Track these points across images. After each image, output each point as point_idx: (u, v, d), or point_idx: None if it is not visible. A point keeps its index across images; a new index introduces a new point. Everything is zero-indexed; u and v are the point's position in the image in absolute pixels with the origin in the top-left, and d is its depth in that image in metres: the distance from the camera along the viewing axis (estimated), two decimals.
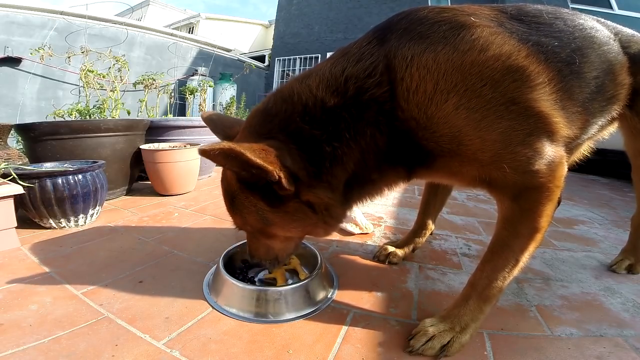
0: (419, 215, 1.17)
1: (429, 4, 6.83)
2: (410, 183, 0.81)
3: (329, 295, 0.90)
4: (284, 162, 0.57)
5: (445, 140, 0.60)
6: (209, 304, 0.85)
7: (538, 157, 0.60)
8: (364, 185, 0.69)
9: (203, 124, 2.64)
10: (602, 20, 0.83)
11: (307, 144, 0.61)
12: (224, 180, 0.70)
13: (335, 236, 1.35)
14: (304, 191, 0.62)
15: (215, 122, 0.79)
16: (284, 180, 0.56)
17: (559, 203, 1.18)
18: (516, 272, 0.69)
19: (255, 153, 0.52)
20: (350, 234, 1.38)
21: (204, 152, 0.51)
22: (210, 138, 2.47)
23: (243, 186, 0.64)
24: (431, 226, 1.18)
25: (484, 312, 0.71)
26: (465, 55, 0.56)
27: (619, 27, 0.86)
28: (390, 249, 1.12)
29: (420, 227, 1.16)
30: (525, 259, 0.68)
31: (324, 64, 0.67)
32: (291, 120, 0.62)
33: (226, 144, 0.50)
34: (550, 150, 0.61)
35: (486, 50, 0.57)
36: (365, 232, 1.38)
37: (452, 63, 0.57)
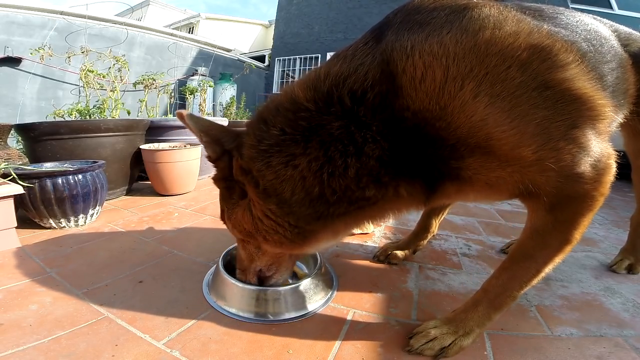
0: (422, 217, 1.12)
1: None
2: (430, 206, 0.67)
3: (328, 295, 0.90)
4: (220, 136, 0.61)
5: (465, 132, 0.49)
6: (209, 304, 0.85)
7: (584, 155, 0.50)
8: (357, 202, 0.57)
9: None
10: (599, 18, 0.82)
11: (263, 126, 0.57)
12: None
13: None
14: (236, 169, 0.60)
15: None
16: (207, 148, 0.62)
17: None
18: (535, 282, 0.63)
19: (191, 120, 0.61)
20: (351, 233, 1.38)
21: (178, 114, 0.60)
22: None
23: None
24: (434, 229, 1.12)
25: (492, 320, 0.69)
26: (477, 36, 0.48)
27: (616, 25, 0.84)
28: (391, 250, 1.12)
29: (422, 229, 1.12)
30: (547, 269, 0.62)
31: (317, 67, 0.62)
32: (262, 115, 0.60)
33: (182, 112, 0.61)
34: (597, 146, 0.51)
35: (501, 28, 0.48)
36: (365, 232, 1.39)
37: (463, 46, 0.48)
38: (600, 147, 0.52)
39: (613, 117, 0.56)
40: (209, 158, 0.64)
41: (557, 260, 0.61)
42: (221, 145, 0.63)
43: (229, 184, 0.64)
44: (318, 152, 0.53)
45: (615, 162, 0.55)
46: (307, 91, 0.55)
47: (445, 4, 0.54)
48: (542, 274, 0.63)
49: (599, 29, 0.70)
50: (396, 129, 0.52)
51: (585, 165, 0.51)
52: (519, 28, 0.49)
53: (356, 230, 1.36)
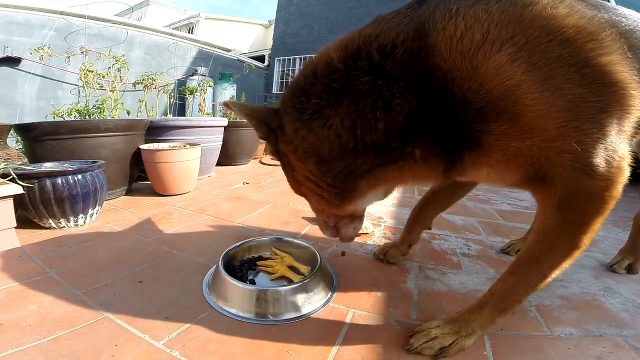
0: (413, 210, 1.08)
1: None
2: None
3: (328, 295, 0.90)
4: (265, 117, 0.66)
5: (496, 94, 0.49)
6: (209, 304, 0.85)
7: (602, 145, 0.49)
8: (381, 156, 0.57)
9: (202, 124, 2.64)
10: None
11: (301, 98, 0.60)
12: None
13: None
14: (280, 143, 0.65)
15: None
16: (256, 130, 0.68)
17: None
18: (542, 286, 0.62)
19: (237, 107, 0.68)
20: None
21: (224, 104, 0.68)
22: (208, 137, 2.47)
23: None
24: (427, 222, 1.08)
25: (495, 323, 0.69)
26: (526, 9, 0.49)
27: None
28: (388, 248, 1.12)
29: (414, 220, 1.07)
30: (555, 274, 0.61)
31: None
32: (299, 85, 0.62)
33: (227, 102, 0.67)
34: (616, 141, 0.50)
35: (556, 7, 0.49)
36: (365, 232, 1.39)
37: (508, 15, 0.49)
38: (618, 142, 0.51)
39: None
40: (260, 137, 0.69)
41: (565, 265, 0.60)
42: (267, 125, 0.67)
43: (275, 151, 0.71)
44: (349, 108, 0.55)
45: (630, 165, 0.54)
46: (339, 52, 0.57)
47: None
48: (549, 279, 0.61)
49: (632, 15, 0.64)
50: (425, 87, 0.52)
51: (600, 158, 0.50)
52: (572, 10, 0.49)
53: None
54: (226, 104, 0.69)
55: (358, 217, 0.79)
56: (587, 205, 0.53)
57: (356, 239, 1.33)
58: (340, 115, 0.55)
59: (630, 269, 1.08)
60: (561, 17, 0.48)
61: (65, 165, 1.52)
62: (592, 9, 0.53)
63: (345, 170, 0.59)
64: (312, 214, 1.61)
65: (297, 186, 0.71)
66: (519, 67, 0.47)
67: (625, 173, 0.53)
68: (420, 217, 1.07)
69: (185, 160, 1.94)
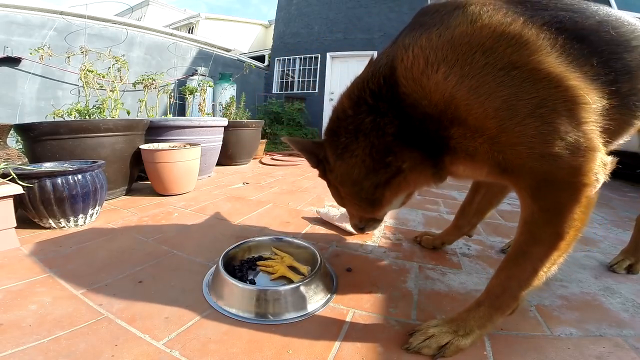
0: (456, 214, 1.17)
1: (429, 2, 6.83)
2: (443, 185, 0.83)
3: (328, 296, 0.90)
4: (314, 150, 0.84)
5: (441, 107, 0.59)
6: (209, 304, 0.85)
7: (556, 136, 0.52)
8: (388, 171, 0.71)
9: (202, 124, 2.64)
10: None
11: (334, 137, 0.76)
12: None
13: (335, 236, 1.35)
14: (327, 170, 0.83)
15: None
16: (308, 161, 0.86)
17: None
18: (535, 282, 0.63)
19: (293, 142, 0.86)
20: (350, 233, 1.38)
21: (284, 140, 0.86)
22: (208, 137, 2.47)
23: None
24: (466, 229, 1.15)
25: (493, 321, 0.69)
26: (455, 30, 0.57)
27: None
28: (425, 236, 1.27)
29: (453, 227, 1.19)
30: (546, 269, 0.61)
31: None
32: (332, 128, 0.78)
33: (285, 138, 0.85)
34: (572, 130, 0.52)
35: (475, 22, 0.56)
36: (365, 231, 1.39)
37: (442, 39, 0.58)
38: (577, 132, 0.53)
39: (603, 105, 0.55)
40: (312, 166, 0.87)
41: (554, 258, 0.61)
42: (317, 156, 0.84)
43: (323, 175, 0.87)
44: (365, 141, 0.70)
45: (605, 155, 0.56)
46: (348, 100, 0.73)
47: (447, 7, 0.62)
48: (541, 274, 0.62)
49: (621, 17, 0.65)
50: (402, 111, 0.65)
51: (559, 147, 0.53)
52: (491, 20, 0.56)
53: (350, 228, 1.37)
54: (285, 139, 0.88)
55: (380, 220, 0.99)
56: (558, 192, 0.56)
57: (356, 239, 1.33)
58: (360, 147, 0.71)
59: (630, 270, 1.08)
60: (479, 30, 0.56)
61: (65, 165, 1.52)
62: (529, 10, 0.58)
63: (372, 185, 0.74)
64: (312, 215, 1.62)
65: (340, 200, 0.88)
66: (451, 82, 0.56)
67: (595, 160, 0.54)
68: (459, 223, 1.17)
69: (185, 160, 1.94)
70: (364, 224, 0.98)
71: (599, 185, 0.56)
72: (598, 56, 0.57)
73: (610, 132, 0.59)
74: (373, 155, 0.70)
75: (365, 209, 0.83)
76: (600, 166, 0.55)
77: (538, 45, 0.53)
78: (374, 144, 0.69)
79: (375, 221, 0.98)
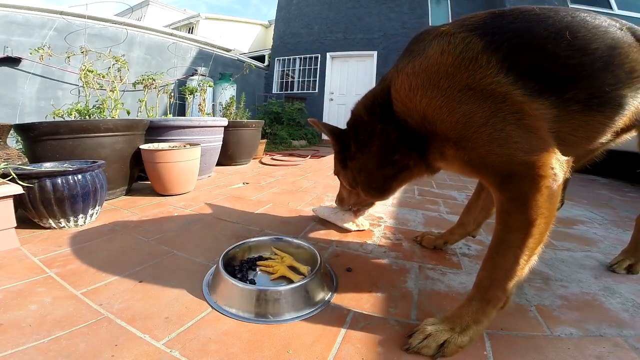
0: (462, 213, 1.21)
1: (428, 4, 6.83)
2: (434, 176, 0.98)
3: (328, 296, 0.90)
4: (341, 135, 0.99)
5: (422, 124, 0.74)
6: (209, 304, 0.85)
7: (509, 139, 0.64)
8: (395, 167, 0.88)
9: (203, 124, 2.64)
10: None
11: (355, 134, 0.93)
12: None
13: (335, 236, 1.35)
14: (348, 159, 0.98)
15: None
16: (334, 144, 1.02)
17: (561, 204, 1.17)
18: (519, 270, 0.67)
19: (322, 125, 0.99)
20: (347, 230, 1.38)
21: (312, 121, 1.05)
22: (208, 137, 2.47)
23: (334, 151, 1.05)
24: (470, 228, 1.18)
25: (487, 315, 0.70)
26: (430, 59, 0.71)
27: (634, 25, 0.78)
28: (427, 235, 1.29)
29: (458, 225, 1.21)
30: (526, 257, 0.67)
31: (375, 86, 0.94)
32: (354, 126, 0.94)
33: (314, 120, 1.03)
34: (523, 134, 0.63)
35: (443, 53, 0.69)
36: (361, 229, 1.40)
37: (421, 67, 0.72)
38: (528, 136, 0.64)
39: (548, 114, 0.65)
40: (336, 149, 1.03)
41: (531, 245, 0.66)
42: (342, 141, 0.99)
43: (342, 159, 1.03)
44: (378, 140, 0.86)
45: (560, 154, 0.66)
46: (364, 109, 0.90)
47: (429, 36, 0.75)
48: (522, 262, 0.67)
49: (584, 20, 0.70)
50: (398, 123, 0.81)
51: (512, 148, 0.64)
52: (454, 51, 0.68)
53: (353, 227, 1.40)
54: (313, 121, 1.04)
55: (372, 205, 1.32)
56: (520, 183, 0.65)
57: (356, 239, 1.33)
58: (375, 144, 0.87)
59: (630, 270, 1.08)
60: (445, 60, 0.68)
61: (65, 165, 1.52)
62: (489, 33, 0.68)
63: (383, 176, 0.91)
64: (312, 215, 1.61)
65: (354, 183, 1.04)
66: (424, 103, 0.71)
67: (550, 157, 0.64)
68: (464, 221, 1.19)
69: (185, 160, 1.94)
70: (358, 205, 1.27)
71: (558, 179, 0.64)
72: (549, 68, 0.66)
73: (582, 133, 0.70)
74: (383, 153, 0.87)
75: (373, 195, 0.99)
76: (557, 162, 0.64)
77: (488, 70, 0.65)
78: (384, 144, 0.86)
79: (370, 205, 1.29)
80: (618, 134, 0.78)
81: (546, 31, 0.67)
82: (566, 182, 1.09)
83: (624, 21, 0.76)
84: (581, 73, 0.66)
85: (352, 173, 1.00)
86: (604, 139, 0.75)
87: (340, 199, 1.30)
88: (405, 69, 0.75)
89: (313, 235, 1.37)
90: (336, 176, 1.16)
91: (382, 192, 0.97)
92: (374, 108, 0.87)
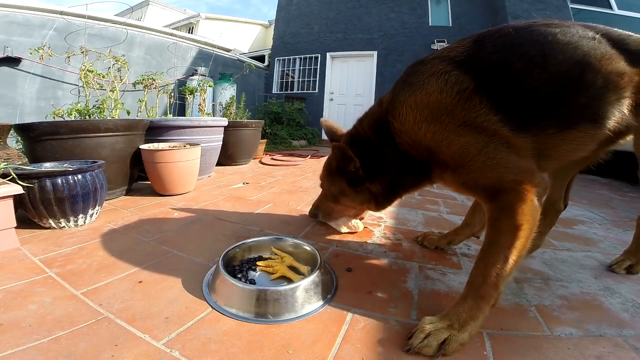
0: (467, 213, 1.24)
1: (428, 4, 6.83)
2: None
3: (328, 296, 0.90)
4: (332, 135, 1.20)
5: (425, 154, 0.85)
6: (209, 304, 0.85)
7: (499, 165, 0.75)
8: (403, 184, 0.98)
9: (202, 124, 2.65)
10: (583, 23, 0.84)
11: (364, 156, 0.97)
12: (329, 161, 1.13)
13: (335, 236, 1.35)
14: (367, 183, 1.01)
15: (327, 127, 1.25)
16: (359, 170, 0.98)
17: (564, 206, 1.19)
18: (509, 269, 0.73)
19: (351, 151, 0.94)
20: (339, 232, 1.38)
21: (332, 146, 1.03)
22: (208, 137, 2.47)
23: (337, 170, 1.04)
24: (476, 228, 1.21)
25: (482, 311, 0.73)
26: (431, 96, 0.79)
27: (610, 28, 0.84)
28: (429, 236, 1.30)
29: (464, 225, 1.24)
30: (514, 256, 0.73)
31: (373, 107, 1.03)
32: (353, 138, 1.03)
33: (342, 145, 0.95)
34: (511, 160, 0.75)
35: (442, 91, 0.78)
36: (354, 231, 1.40)
37: (422, 102, 0.80)
38: (515, 160, 0.75)
39: (530, 140, 0.76)
40: (348, 167, 1.00)
41: (519, 246, 0.73)
42: (332, 139, 1.18)
43: (354, 179, 1.03)
44: (389, 167, 0.94)
45: (537, 173, 0.76)
46: (370, 131, 0.97)
47: (426, 69, 0.83)
48: (512, 261, 0.73)
49: (558, 41, 0.77)
50: (399, 151, 0.91)
51: (502, 171, 0.74)
52: (452, 91, 0.77)
53: (344, 230, 1.40)
54: (322, 122, 1.26)
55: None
56: (508, 196, 0.75)
57: (356, 238, 1.33)
58: (387, 171, 0.95)
59: (630, 270, 1.08)
60: (445, 99, 0.77)
61: (65, 165, 1.52)
62: (473, 71, 0.78)
63: (394, 195, 1.01)
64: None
65: (365, 201, 1.07)
66: (428, 136, 0.81)
67: (532, 175, 0.75)
68: (470, 221, 1.22)
69: (185, 160, 1.94)
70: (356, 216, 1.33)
71: (540, 194, 0.75)
72: (528, 105, 0.75)
73: (563, 148, 0.80)
74: (395, 176, 0.95)
75: (382, 209, 1.09)
76: (540, 179, 0.75)
77: (481, 109, 0.75)
78: (394, 169, 0.94)
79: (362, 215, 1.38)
80: (612, 139, 0.85)
81: (521, 61, 0.76)
82: (570, 184, 1.12)
83: (600, 26, 0.83)
84: (554, 100, 0.75)
85: (369, 193, 1.04)
86: (589, 148, 0.83)
87: (327, 214, 1.27)
88: (408, 102, 0.83)
89: (313, 235, 1.37)
90: (323, 188, 1.24)
91: (389, 205, 1.08)
92: (382, 135, 0.93)
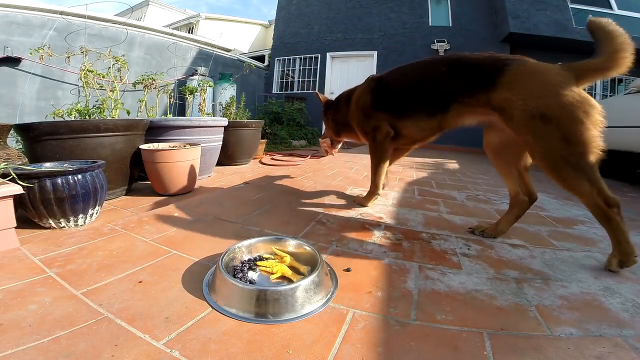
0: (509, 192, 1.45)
1: (428, 4, 6.83)
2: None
3: (328, 296, 0.90)
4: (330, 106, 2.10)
5: (355, 121, 1.78)
6: (209, 304, 0.85)
7: (365, 125, 1.69)
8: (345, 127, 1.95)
9: (202, 124, 2.65)
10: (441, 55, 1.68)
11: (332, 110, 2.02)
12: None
13: (335, 236, 1.35)
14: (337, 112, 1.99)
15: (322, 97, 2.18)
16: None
17: (533, 199, 1.38)
18: (379, 176, 1.72)
19: (319, 95, 2.15)
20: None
21: (316, 94, 2.27)
22: (208, 137, 2.47)
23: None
24: (522, 197, 1.39)
25: (370, 199, 1.78)
26: (354, 95, 1.77)
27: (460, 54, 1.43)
28: (483, 227, 1.44)
29: (512, 203, 1.44)
30: (379, 169, 1.70)
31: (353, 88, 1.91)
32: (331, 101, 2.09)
33: (318, 94, 2.22)
34: (372, 123, 1.64)
35: (359, 96, 1.73)
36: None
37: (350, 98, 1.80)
38: (373, 123, 1.64)
39: (387, 118, 1.61)
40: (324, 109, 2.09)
41: (379, 163, 1.69)
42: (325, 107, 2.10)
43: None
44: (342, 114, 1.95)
45: (389, 128, 1.62)
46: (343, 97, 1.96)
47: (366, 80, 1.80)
48: (380, 171, 1.70)
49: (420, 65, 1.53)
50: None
51: (368, 128, 1.68)
52: (359, 95, 1.78)
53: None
54: (315, 94, 2.23)
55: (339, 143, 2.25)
56: (369, 136, 1.68)
57: (355, 239, 1.33)
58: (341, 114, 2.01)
59: (621, 265, 1.08)
60: (357, 98, 1.79)
61: (65, 165, 1.52)
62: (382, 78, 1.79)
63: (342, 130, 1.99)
64: (312, 215, 1.61)
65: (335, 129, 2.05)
66: (354, 116, 1.79)
67: (380, 130, 1.62)
68: (517, 194, 1.41)
69: (185, 160, 1.94)
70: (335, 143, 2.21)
71: (382, 137, 1.62)
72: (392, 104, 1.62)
73: (412, 131, 1.57)
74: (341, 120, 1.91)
75: (366, 133, 1.75)
76: (384, 131, 1.60)
77: (369, 100, 1.67)
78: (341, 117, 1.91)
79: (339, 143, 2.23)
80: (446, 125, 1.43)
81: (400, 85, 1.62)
82: (524, 178, 1.38)
83: (449, 54, 1.42)
84: (401, 105, 1.56)
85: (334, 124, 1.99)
86: (430, 133, 1.52)
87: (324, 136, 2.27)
88: (343, 94, 1.89)
89: (313, 235, 1.37)
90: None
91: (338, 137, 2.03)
92: (349, 97, 1.83)
